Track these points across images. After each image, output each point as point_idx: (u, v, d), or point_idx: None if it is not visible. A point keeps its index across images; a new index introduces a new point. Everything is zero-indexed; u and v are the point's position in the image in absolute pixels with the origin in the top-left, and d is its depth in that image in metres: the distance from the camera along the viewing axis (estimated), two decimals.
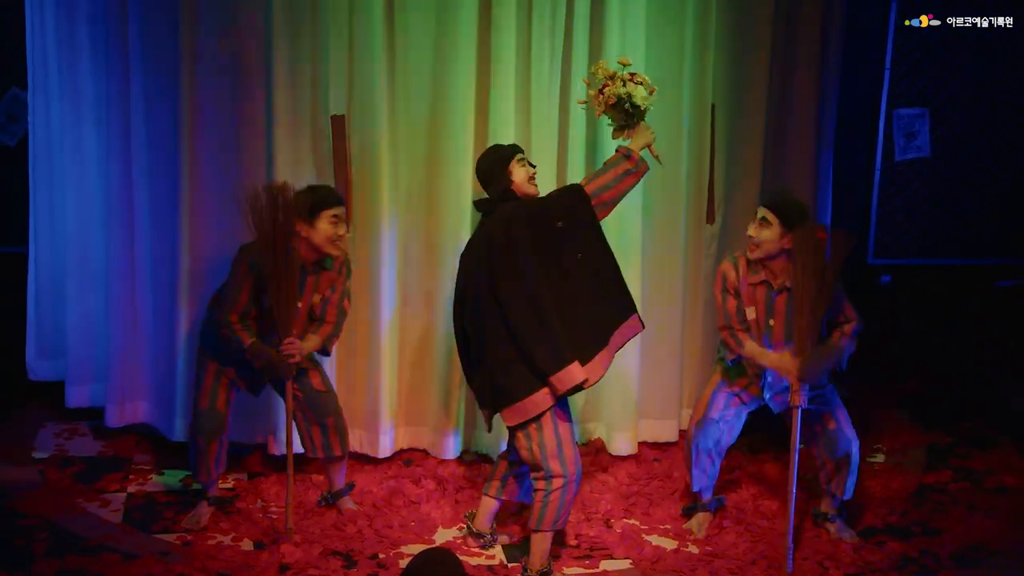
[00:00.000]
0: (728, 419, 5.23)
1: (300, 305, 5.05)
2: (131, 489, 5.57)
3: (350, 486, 5.47)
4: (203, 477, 5.27)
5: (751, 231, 5.07)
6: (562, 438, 4.76)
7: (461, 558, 4.57)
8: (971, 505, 5.61)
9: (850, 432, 5.17)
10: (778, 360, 5.02)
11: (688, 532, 5.30)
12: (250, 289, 5.03)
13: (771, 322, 5.07)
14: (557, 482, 4.76)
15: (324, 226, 5.03)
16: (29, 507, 5.29)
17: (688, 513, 5.41)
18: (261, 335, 5.05)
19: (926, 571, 5.02)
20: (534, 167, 5.00)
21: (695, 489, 5.33)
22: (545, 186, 5.30)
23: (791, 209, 5.04)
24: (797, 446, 4.98)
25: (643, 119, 4.96)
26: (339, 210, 5.08)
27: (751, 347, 5.09)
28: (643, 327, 4.94)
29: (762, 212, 5.06)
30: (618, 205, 5.80)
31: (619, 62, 5.04)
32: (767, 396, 5.19)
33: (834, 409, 5.18)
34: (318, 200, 5.04)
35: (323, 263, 5.13)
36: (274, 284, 4.90)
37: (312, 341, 5.13)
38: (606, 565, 5.05)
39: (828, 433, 5.16)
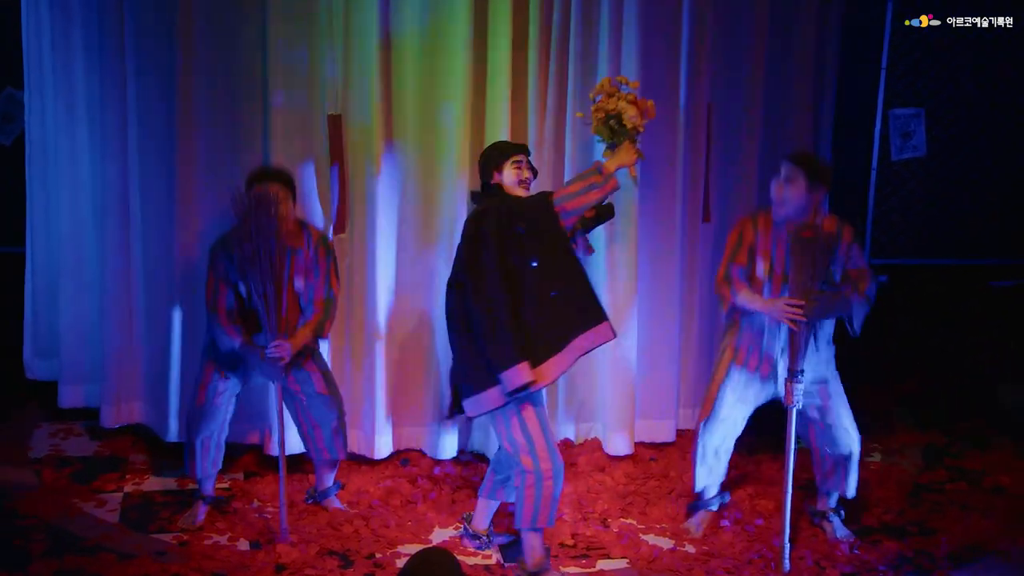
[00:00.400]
0: (735, 416, 5.19)
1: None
2: (127, 489, 5.57)
3: (337, 485, 5.47)
4: (196, 473, 5.27)
5: (776, 189, 4.98)
6: (532, 434, 4.76)
7: (458, 558, 4.58)
8: (967, 505, 5.61)
9: (853, 429, 5.15)
10: (771, 304, 4.96)
11: (686, 531, 5.30)
12: (224, 288, 5.02)
13: (803, 233, 4.91)
14: (529, 478, 4.78)
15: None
16: (26, 507, 5.29)
17: (691, 511, 5.41)
18: (249, 331, 5.04)
19: (922, 571, 5.03)
20: (533, 172, 4.99)
21: (698, 489, 5.32)
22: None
23: (815, 163, 4.96)
24: (792, 445, 4.98)
25: (630, 139, 4.88)
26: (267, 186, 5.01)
27: (745, 294, 5.02)
28: (614, 335, 4.85)
29: (786, 170, 4.96)
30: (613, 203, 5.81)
31: (618, 79, 5.00)
32: (779, 383, 5.09)
33: (838, 403, 5.14)
34: (248, 178, 5.06)
35: (291, 247, 5.08)
36: (260, 287, 4.91)
37: (303, 335, 5.10)
38: (603, 564, 5.06)
39: (831, 430, 5.13)
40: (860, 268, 5.02)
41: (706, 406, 5.24)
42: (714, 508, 5.37)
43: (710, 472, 5.27)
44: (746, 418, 5.25)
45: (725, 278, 5.07)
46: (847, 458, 5.17)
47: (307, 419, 5.26)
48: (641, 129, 4.87)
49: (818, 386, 5.08)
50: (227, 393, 5.23)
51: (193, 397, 5.24)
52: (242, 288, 5.03)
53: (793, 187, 4.94)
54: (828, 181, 5.01)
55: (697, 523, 5.33)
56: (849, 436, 5.15)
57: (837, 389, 5.16)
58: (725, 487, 5.43)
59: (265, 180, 5.03)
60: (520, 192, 4.90)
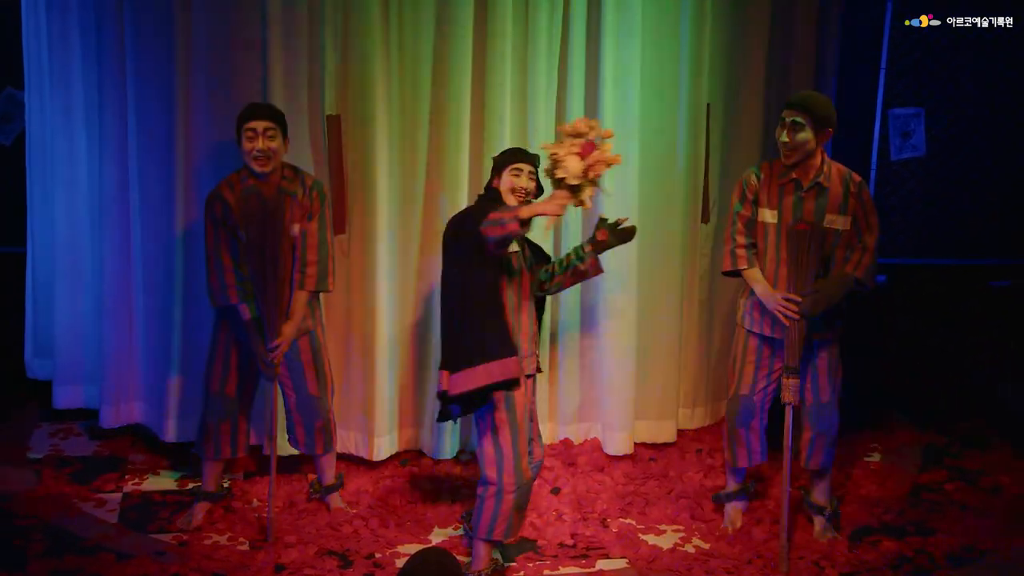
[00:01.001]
0: (761, 388, 5.16)
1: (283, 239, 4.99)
2: (127, 489, 5.57)
3: (339, 478, 5.45)
4: (212, 455, 5.25)
5: (783, 137, 4.93)
6: (503, 447, 4.73)
7: (458, 558, 4.57)
8: (967, 505, 5.61)
9: (836, 408, 5.14)
10: (769, 295, 4.96)
11: (724, 531, 5.29)
12: (224, 234, 5.00)
13: (798, 226, 4.89)
14: (491, 489, 4.75)
15: (241, 142, 5.02)
16: (26, 507, 5.29)
17: (718, 503, 5.40)
18: (253, 277, 4.99)
19: (921, 570, 5.03)
20: (536, 186, 4.91)
21: (741, 466, 5.27)
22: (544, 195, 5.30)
23: (820, 106, 4.92)
24: (790, 444, 4.98)
25: (563, 189, 4.56)
26: (255, 124, 5.01)
27: (752, 274, 5.01)
28: (519, 374, 4.72)
29: (791, 116, 4.91)
30: (610, 204, 5.82)
31: (582, 123, 4.66)
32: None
33: (831, 382, 5.12)
34: (238, 117, 5.05)
35: (286, 189, 5.07)
36: (261, 287, 4.91)
37: (301, 298, 5.08)
38: (602, 564, 5.06)
39: (818, 405, 5.12)
40: (864, 243, 4.99)
41: (729, 385, 5.23)
42: (741, 501, 5.35)
43: (750, 450, 5.23)
44: (775, 386, 5.15)
45: (731, 238, 5.05)
46: (824, 435, 5.16)
47: (292, 413, 5.26)
48: (572, 181, 4.55)
49: (815, 363, 5.07)
50: (238, 384, 5.21)
51: (206, 380, 5.24)
52: (241, 236, 4.99)
53: (803, 132, 4.91)
54: (834, 121, 4.97)
55: (731, 521, 5.33)
56: (834, 417, 5.14)
57: (833, 370, 5.13)
58: (750, 475, 5.40)
59: (255, 118, 5.02)
60: (512, 200, 4.86)
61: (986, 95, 7.89)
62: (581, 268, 5.05)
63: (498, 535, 4.80)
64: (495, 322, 4.71)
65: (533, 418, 5.01)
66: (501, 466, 4.74)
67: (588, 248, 5.04)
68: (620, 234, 5.03)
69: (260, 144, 5.01)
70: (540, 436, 5.10)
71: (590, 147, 4.55)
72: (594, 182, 4.56)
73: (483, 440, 4.78)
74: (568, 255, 5.08)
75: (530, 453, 4.94)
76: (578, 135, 4.56)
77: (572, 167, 4.53)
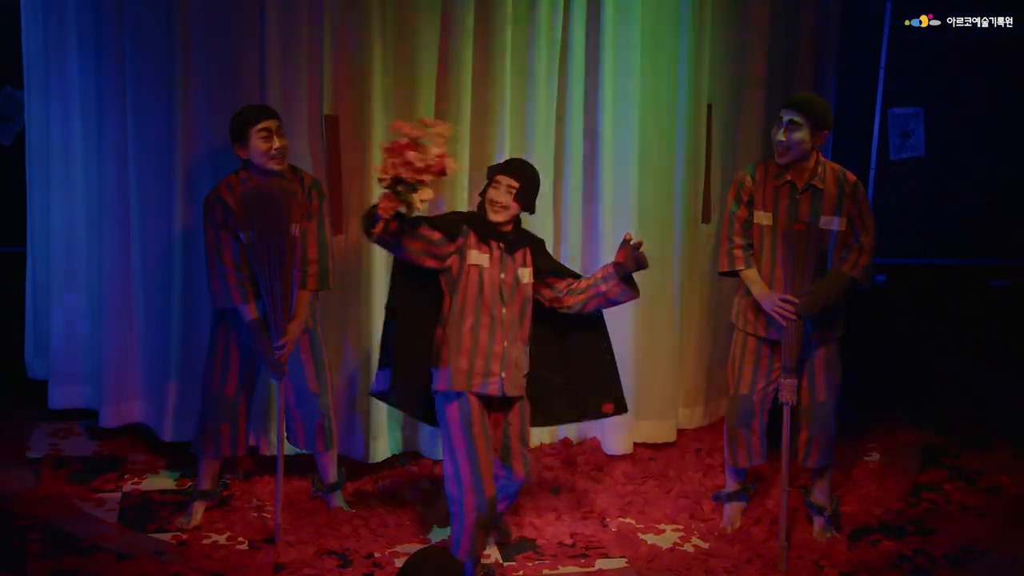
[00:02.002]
0: (760, 388, 5.15)
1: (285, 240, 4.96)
2: (126, 489, 5.57)
3: (342, 476, 5.43)
4: (212, 454, 5.23)
5: (779, 136, 4.92)
6: (459, 463, 4.66)
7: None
8: (966, 505, 5.62)
9: (834, 408, 5.13)
10: (766, 296, 4.96)
11: (723, 531, 5.29)
12: (226, 237, 4.98)
13: (795, 227, 4.90)
14: (454, 507, 4.69)
15: (256, 143, 4.96)
16: (25, 507, 5.29)
17: (717, 503, 5.39)
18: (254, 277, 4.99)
19: (920, 570, 5.03)
20: (515, 202, 4.77)
21: (740, 466, 5.25)
22: (544, 194, 5.31)
23: (818, 107, 4.93)
24: (788, 444, 4.98)
25: (387, 191, 4.50)
26: (269, 123, 4.98)
27: (750, 274, 5.01)
28: (374, 388, 4.91)
29: (788, 115, 4.91)
30: (610, 204, 5.81)
31: (402, 125, 4.55)
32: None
33: (829, 379, 5.11)
34: (242, 120, 4.98)
35: (286, 189, 5.03)
36: (267, 284, 4.91)
37: (304, 297, 5.07)
38: (602, 564, 5.06)
39: (815, 405, 5.10)
40: (861, 243, 4.99)
41: (729, 385, 5.22)
42: (740, 501, 5.34)
43: (749, 453, 5.22)
44: (773, 385, 5.12)
45: (727, 238, 5.05)
46: (821, 434, 5.15)
47: (291, 413, 5.26)
48: (382, 184, 4.49)
49: (813, 363, 5.07)
50: (237, 384, 5.20)
51: (206, 380, 5.23)
52: (242, 237, 4.97)
53: (799, 132, 4.91)
54: (830, 123, 4.98)
55: (729, 520, 5.32)
56: (831, 416, 5.14)
57: (831, 370, 5.12)
58: (750, 475, 5.39)
59: (268, 117, 4.99)
60: (489, 211, 4.76)
61: (986, 95, 7.89)
62: (603, 289, 4.83)
63: (463, 553, 4.69)
64: (389, 333, 4.81)
65: (510, 437, 4.82)
66: (460, 483, 4.65)
67: (609, 269, 4.84)
68: (634, 257, 4.78)
69: (278, 142, 5.00)
70: (523, 455, 4.84)
71: (402, 148, 4.42)
72: (415, 186, 4.44)
73: (444, 456, 4.75)
74: (595, 274, 4.91)
75: (510, 472, 4.81)
76: (401, 134, 4.47)
77: (381, 166, 4.47)
